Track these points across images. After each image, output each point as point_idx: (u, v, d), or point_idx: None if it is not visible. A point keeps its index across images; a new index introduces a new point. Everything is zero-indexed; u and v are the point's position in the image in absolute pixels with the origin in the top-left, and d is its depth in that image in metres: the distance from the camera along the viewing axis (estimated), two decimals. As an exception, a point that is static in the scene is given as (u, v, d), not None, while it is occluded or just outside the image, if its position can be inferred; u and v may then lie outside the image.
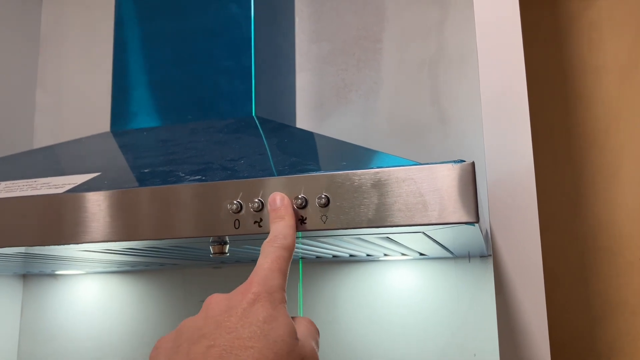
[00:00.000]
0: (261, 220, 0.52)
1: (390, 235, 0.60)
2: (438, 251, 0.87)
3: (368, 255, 0.96)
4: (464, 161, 0.48)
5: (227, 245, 0.62)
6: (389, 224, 0.49)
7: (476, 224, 0.48)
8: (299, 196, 0.51)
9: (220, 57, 1.00)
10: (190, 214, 0.55)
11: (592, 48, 1.02)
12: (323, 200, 0.51)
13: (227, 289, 0.46)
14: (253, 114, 0.96)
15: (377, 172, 0.50)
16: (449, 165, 0.49)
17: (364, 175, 0.50)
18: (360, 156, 0.70)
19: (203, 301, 0.46)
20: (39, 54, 1.37)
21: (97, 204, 0.58)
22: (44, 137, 1.33)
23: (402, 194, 0.49)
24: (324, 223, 0.51)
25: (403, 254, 0.94)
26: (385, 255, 0.96)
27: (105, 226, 0.57)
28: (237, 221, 0.53)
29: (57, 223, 0.59)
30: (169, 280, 1.21)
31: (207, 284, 1.18)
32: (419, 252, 0.91)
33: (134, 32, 1.05)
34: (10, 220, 0.61)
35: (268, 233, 0.52)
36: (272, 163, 0.65)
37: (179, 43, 1.02)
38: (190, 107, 0.99)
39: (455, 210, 0.48)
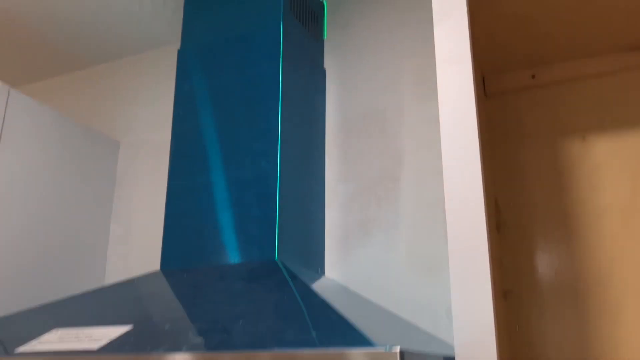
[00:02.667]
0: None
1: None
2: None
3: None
4: (393, 346, 0.58)
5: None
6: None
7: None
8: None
9: (250, 205, 1.15)
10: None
11: (594, 190, 1.08)
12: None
13: None
14: (276, 258, 1.09)
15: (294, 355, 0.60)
16: (370, 350, 0.58)
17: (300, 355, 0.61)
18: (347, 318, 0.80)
19: None
20: (114, 191, 1.61)
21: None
22: (115, 265, 1.53)
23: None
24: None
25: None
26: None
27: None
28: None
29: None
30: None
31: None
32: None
33: (180, 184, 1.23)
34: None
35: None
36: (262, 326, 0.77)
37: (217, 193, 1.19)
38: (224, 250, 1.14)
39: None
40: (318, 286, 0.98)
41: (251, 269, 1.09)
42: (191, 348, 0.70)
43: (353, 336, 0.65)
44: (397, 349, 0.58)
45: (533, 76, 1.17)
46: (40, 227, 1.38)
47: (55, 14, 1.54)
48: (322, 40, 1.47)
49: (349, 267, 1.26)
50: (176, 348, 0.71)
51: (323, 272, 1.26)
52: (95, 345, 0.80)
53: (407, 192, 1.26)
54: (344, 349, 0.60)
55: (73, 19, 1.56)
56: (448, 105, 0.89)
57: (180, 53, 1.36)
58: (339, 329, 0.76)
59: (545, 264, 1.09)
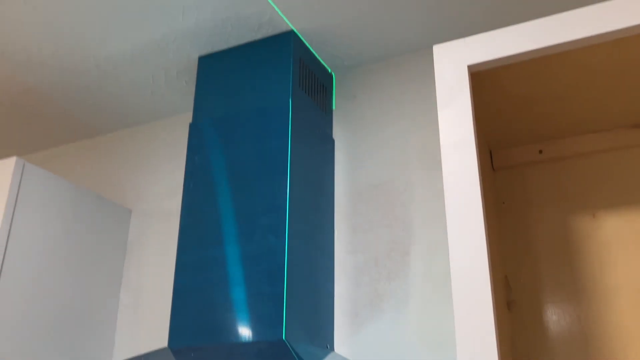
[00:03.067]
0: None
1: None
2: None
3: None
4: None
5: None
6: None
7: None
8: None
9: (258, 282, 1.15)
10: None
11: (604, 267, 1.06)
12: None
13: None
14: (283, 338, 1.08)
15: None
16: None
17: None
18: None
19: None
20: (125, 259, 1.62)
21: None
22: (125, 333, 1.52)
23: None
24: None
25: None
26: None
27: None
28: None
29: None
30: None
31: None
32: None
33: (188, 259, 1.24)
34: None
35: None
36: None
37: (225, 268, 1.19)
38: (231, 328, 1.13)
39: None
40: (325, 371, 0.97)
41: (258, 350, 1.08)
42: None
43: None
44: None
45: (540, 151, 1.18)
46: (51, 294, 1.39)
47: (71, 84, 1.58)
48: (331, 111, 1.49)
49: (359, 342, 1.24)
50: None
51: (332, 348, 1.25)
52: None
53: (417, 266, 1.25)
54: None
55: (87, 89, 1.60)
56: (453, 189, 0.89)
57: (192, 126, 1.38)
58: None
59: (557, 344, 1.07)
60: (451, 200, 0.89)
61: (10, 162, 1.37)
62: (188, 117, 1.69)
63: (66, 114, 1.72)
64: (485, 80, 0.98)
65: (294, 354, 1.05)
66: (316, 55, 1.45)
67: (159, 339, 1.46)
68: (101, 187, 1.76)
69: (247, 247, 1.19)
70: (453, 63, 0.94)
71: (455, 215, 0.88)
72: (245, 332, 1.11)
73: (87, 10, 1.30)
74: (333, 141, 1.46)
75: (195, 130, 1.38)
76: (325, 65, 1.50)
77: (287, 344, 1.06)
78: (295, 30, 1.36)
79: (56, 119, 1.75)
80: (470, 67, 0.94)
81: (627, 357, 1.01)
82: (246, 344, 1.09)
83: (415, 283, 1.24)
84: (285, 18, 1.32)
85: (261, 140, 1.28)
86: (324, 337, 1.23)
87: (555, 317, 1.08)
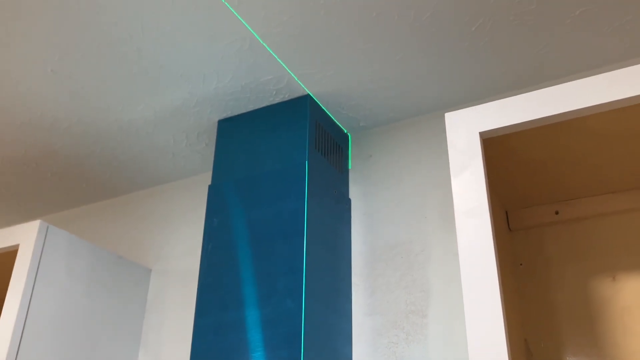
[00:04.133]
0: None
1: None
2: None
3: None
4: None
5: None
6: None
7: None
8: None
9: (275, 346, 1.15)
10: None
11: (627, 333, 1.04)
12: None
13: None
14: (300, 405, 1.06)
15: None
16: None
17: None
18: None
19: None
20: (144, 319, 1.62)
21: None
22: (142, 395, 1.52)
23: None
24: None
25: None
26: None
27: None
28: None
29: None
30: None
31: None
32: None
33: (206, 322, 1.24)
34: None
35: None
36: None
37: (243, 332, 1.19)
38: (248, 395, 1.12)
39: None
40: None
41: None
42: None
43: None
44: None
45: (556, 212, 1.18)
46: (71, 354, 1.40)
47: (94, 147, 1.62)
48: (347, 170, 1.51)
49: (377, 408, 1.21)
50: None
51: (350, 413, 1.23)
52: None
53: (436, 328, 1.24)
54: None
55: (110, 151, 1.65)
56: (468, 257, 0.90)
57: (211, 188, 1.41)
58: None
59: (582, 411, 1.04)
60: (466, 268, 0.89)
61: (35, 225, 1.40)
62: (207, 177, 1.73)
63: (89, 175, 1.77)
64: (497, 145, 1.00)
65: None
66: (332, 117, 1.48)
67: (177, 401, 1.45)
68: (121, 247, 1.78)
69: (264, 310, 1.19)
70: (465, 130, 0.96)
71: (470, 282, 0.88)
72: (262, 398, 1.10)
73: (111, 78, 1.36)
74: (349, 201, 1.47)
75: (214, 192, 1.40)
76: (341, 126, 1.53)
77: (305, 411, 1.05)
78: (311, 94, 1.40)
79: (79, 180, 1.79)
80: (482, 134, 0.95)
81: None
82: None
83: (434, 346, 1.22)
84: (301, 83, 1.36)
85: (278, 202, 1.30)
86: (342, 403, 1.21)
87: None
